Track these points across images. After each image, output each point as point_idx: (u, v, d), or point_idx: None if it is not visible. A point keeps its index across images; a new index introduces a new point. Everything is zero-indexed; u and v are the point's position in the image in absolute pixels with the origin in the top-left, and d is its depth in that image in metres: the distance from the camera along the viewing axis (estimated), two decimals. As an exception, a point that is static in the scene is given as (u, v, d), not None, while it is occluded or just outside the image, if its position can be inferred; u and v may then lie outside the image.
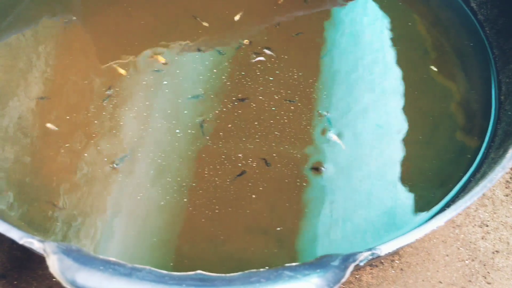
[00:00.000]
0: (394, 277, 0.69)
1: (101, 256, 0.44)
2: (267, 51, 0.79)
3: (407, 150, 0.70)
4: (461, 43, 0.83)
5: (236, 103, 0.73)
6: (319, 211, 0.65)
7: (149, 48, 0.79)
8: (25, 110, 0.72)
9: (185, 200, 0.65)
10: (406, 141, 0.71)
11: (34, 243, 0.46)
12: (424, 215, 0.65)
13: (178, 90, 0.75)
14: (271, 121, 0.71)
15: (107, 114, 0.72)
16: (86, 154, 0.68)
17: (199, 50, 0.79)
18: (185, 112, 0.72)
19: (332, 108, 0.73)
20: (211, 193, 0.65)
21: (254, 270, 0.44)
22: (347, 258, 0.46)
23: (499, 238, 0.73)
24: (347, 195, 0.66)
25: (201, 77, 0.76)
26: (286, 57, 0.78)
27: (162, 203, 0.64)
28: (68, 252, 0.44)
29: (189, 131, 0.70)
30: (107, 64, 0.77)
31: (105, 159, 0.68)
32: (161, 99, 0.73)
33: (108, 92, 0.74)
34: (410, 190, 0.67)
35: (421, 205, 0.66)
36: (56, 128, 0.70)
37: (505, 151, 0.60)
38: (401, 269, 0.70)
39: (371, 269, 0.70)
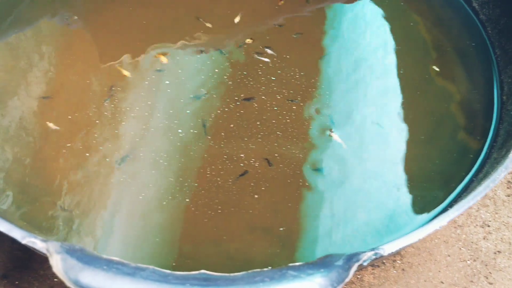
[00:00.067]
0: (396, 277, 0.69)
1: (104, 256, 0.44)
2: (269, 50, 0.79)
3: (409, 150, 0.70)
4: (463, 43, 0.83)
5: (238, 103, 0.73)
6: (321, 211, 0.65)
7: (151, 48, 0.79)
8: (26, 110, 0.72)
9: (187, 200, 0.64)
10: (408, 141, 0.71)
11: (36, 243, 0.46)
12: (427, 215, 0.65)
13: (180, 90, 0.74)
14: (273, 121, 0.71)
15: (109, 114, 0.72)
16: (87, 154, 0.68)
17: (201, 49, 0.79)
18: (187, 111, 0.72)
19: (334, 108, 0.73)
20: (213, 193, 0.65)
21: (258, 269, 0.44)
22: (351, 258, 0.46)
23: (501, 238, 0.73)
24: (349, 195, 0.66)
25: (203, 76, 0.76)
26: (288, 56, 0.78)
27: (164, 203, 0.64)
28: (71, 252, 0.44)
29: (191, 130, 0.70)
30: (109, 64, 0.77)
31: (107, 159, 0.68)
32: (163, 99, 0.73)
33: (109, 92, 0.73)
34: (412, 190, 0.67)
35: (424, 205, 0.66)
36: (57, 128, 0.70)
37: (508, 151, 0.60)
38: (403, 269, 0.70)
39: (373, 269, 0.70)
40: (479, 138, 0.71)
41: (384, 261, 0.71)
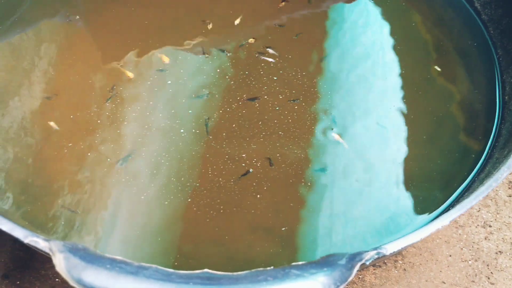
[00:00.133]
0: (397, 277, 0.69)
1: (107, 255, 0.44)
2: (270, 50, 0.79)
3: (411, 150, 0.70)
4: (464, 43, 0.83)
5: (240, 103, 0.73)
6: (323, 211, 0.65)
7: (152, 47, 0.79)
8: (27, 110, 0.72)
9: (189, 200, 0.64)
10: (410, 141, 0.71)
11: (39, 242, 0.46)
12: (428, 215, 0.65)
13: (182, 90, 0.74)
14: (275, 121, 0.71)
15: (111, 113, 0.72)
16: (89, 154, 0.68)
17: (203, 49, 0.79)
18: (189, 111, 0.72)
19: (336, 108, 0.73)
20: (215, 193, 0.65)
21: (261, 268, 0.44)
22: (354, 257, 0.46)
23: (503, 238, 0.73)
24: (351, 195, 0.66)
25: (204, 76, 0.76)
26: (289, 56, 0.78)
27: (166, 203, 0.64)
28: (74, 251, 0.44)
29: (193, 130, 0.70)
30: (110, 64, 0.77)
31: (109, 159, 0.68)
32: (165, 99, 0.73)
33: (111, 92, 0.73)
34: (414, 190, 0.67)
35: (425, 206, 0.66)
36: (59, 128, 0.70)
37: (510, 151, 0.60)
38: (404, 269, 0.70)
39: (374, 270, 0.70)
40: (481, 138, 0.72)
41: (386, 261, 0.71)
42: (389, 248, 0.48)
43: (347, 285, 0.55)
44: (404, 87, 0.77)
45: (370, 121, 0.73)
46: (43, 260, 0.69)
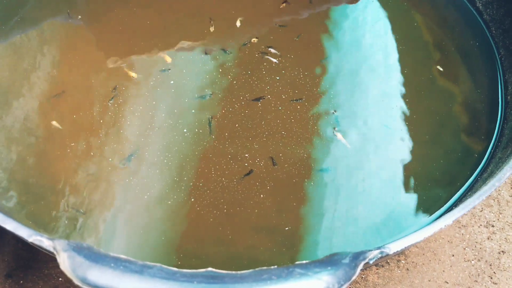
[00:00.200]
0: (400, 277, 0.69)
1: (111, 254, 0.44)
2: (272, 50, 0.79)
3: (414, 150, 0.70)
4: (466, 43, 0.83)
5: (243, 103, 0.73)
6: (326, 211, 0.65)
7: (155, 47, 0.79)
8: (30, 110, 0.72)
9: (192, 200, 0.65)
10: (412, 141, 0.71)
11: (43, 241, 0.46)
12: (431, 215, 0.65)
13: (185, 90, 0.75)
14: (278, 121, 0.71)
15: (113, 113, 0.72)
16: (92, 153, 0.68)
17: (205, 49, 0.79)
18: (192, 111, 0.72)
19: (338, 108, 0.73)
20: (218, 193, 0.65)
21: (265, 267, 0.44)
22: (357, 256, 0.46)
23: (505, 238, 0.73)
24: (354, 195, 0.66)
25: (207, 76, 0.76)
26: (292, 56, 0.78)
27: (169, 202, 0.64)
28: (78, 250, 0.44)
29: (196, 130, 0.70)
30: (113, 64, 0.77)
31: (112, 159, 0.68)
32: (168, 98, 0.73)
33: (114, 92, 0.74)
34: (417, 190, 0.67)
35: (428, 205, 0.66)
36: (62, 127, 0.70)
37: (513, 151, 0.60)
38: (407, 269, 0.70)
39: (377, 269, 0.70)
40: (484, 138, 0.72)
41: (389, 260, 0.71)
42: (393, 248, 0.48)
43: (350, 284, 0.55)
44: (406, 87, 0.77)
45: (372, 121, 0.73)
46: (46, 259, 0.69)
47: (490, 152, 0.70)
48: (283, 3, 0.86)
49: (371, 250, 0.47)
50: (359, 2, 0.88)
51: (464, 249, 0.72)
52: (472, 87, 0.78)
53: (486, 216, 0.75)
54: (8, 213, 0.61)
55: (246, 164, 0.68)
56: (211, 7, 0.85)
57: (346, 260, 0.45)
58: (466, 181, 0.67)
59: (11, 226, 0.48)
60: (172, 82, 0.75)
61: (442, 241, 0.72)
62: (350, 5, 0.88)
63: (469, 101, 0.76)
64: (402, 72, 0.78)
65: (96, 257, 0.43)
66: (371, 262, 0.47)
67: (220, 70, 0.77)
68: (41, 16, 0.83)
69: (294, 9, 0.86)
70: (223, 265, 0.54)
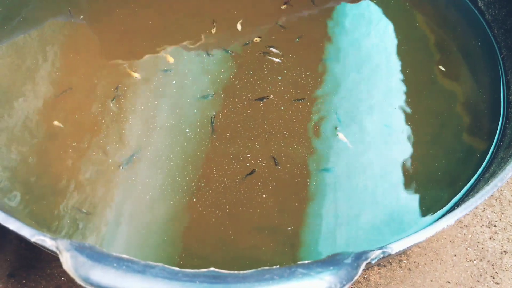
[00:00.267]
0: (402, 277, 0.69)
1: (114, 253, 0.44)
2: (274, 49, 0.79)
3: (415, 149, 0.70)
4: (468, 43, 0.83)
5: (245, 103, 0.73)
6: (328, 211, 0.65)
7: (157, 47, 0.79)
8: (32, 110, 0.72)
9: (194, 200, 0.65)
10: (414, 141, 0.71)
11: (46, 241, 0.46)
12: (433, 215, 0.65)
13: (187, 90, 0.75)
14: (280, 121, 0.71)
15: (115, 113, 0.72)
16: (94, 153, 0.68)
17: (207, 49, 0.79)
18: (194, 111, 0.72)
19: (340, 108, 0.73)
20: (220, 193, 0.65)
21: (267, 267, 0.44)
22: (360, 256, 0.46)
23: (507, 238, 0.73)
24: (355, 194, 0.66)
25: (209, 76, 0.76)
26: (294, 56, 0.78)
27: (171, 202, 0.64)
28: (81, 249, 0.44)
29: (199, 130, 0.70)
30: (115, 64, 0.77)
31: (113, 159, 0.68)
32: (170, 98, 0.73)
33: (116, 92, 0.74)
34: (419, 190, 0.67)
35: (430, 205, 0.66)
36: (63, 127, 0.70)
37: (515, 151, 0.60)
38: (409, 269, 0.70)
39: (379, 269, 0.70)
40: (486, 138, 0.72)
41: (391, 260, 0.71)
42: (395, 248, 0.48)
43: (352, 284, 0.55)
44: (408, 87, 0.77)
45: (374, 121, 0.73)
46: (48, 259, 0.69)
47: (492, 152, 0.70)
48: (284, 4, 0.86)
49: (373, 250, 0.47)
50: (360, 2, 0.88)
51: (466, 249, 0.72)
52: (474, 87, 0.77)
53: (488, 216, 0.75)
54: (11, 212, 0.61)
55: (248, 164, 0.68)
56: (212, 7, 0.85)
57: (348, 260, 0.45)
58: (468, 181, 0.67)
59: (14, 225, 0.49)
60: (174, 82, 0.75)
61: (444, 241, 0.72)
62: (352, 5, 0.88)
63: (471, 101, 0.76)
64: (404, 72, 0.78)
65: (99, 256, 0.43)
66: (373, 262, 0.47)
67: (222, 70, 0.77)
68: (43, 16, 0.83)
69: (295, 9, 0.86)
70: (225, 265, 0.55)
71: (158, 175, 0.67)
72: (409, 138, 0.71)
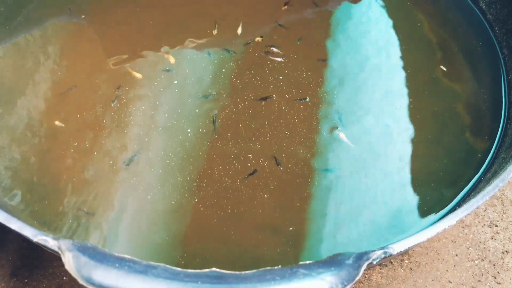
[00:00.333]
0: (403, 276, 0.69)
1: (116, 254, 0.44)
2: (275, 49, 0.79)
3: (417, 149, 0.70)
4: (470, 43, 0.83)
5: (247, 103, 0.73)
6: (329, 211, 0.65)
7: (158, 47, 0.79)
8: (34, 109, 0.72)
9: (196, 200, 0.65)
10: (416, 140, 0.71)
11: (48, 241, 0.46)
12: (435, 215, 0.65)
13: (189, 90, 0.75)
14: (281, 121, 0.71)
15: (117, 113, 0.72)
16: (95, 153, 0.68)
17: (208, 49, 0.79)
18: (196, 111, 0.72)
19: (341, 108, 0.73)
20: (222, 193, 0.65)
21: (269, 268, 0.44)
22: (361, 257, 0.46)
23: (509, 238, 0.73)
24: (357, 194, 0.66)
25: (211, 76, 0.76)
26: (295, 56, 0.78)
27: (173, 202, 0.65)
28: (83, 250, 0.44)
29: (200, 130, 0.70)
30: (117, 64, 0.77)
31: (115, 159, 0.68)
32: (171, 98, 0.74)
33: (117, 92, 0.74)
34: (420, 190, 0.67)
35: (432, 205, 0.66)
36: (65, 127, 0.70)
37: (516, 151, 0.60)
38: (411, 269, 0.70)
39: (380, 269, 0.70)
40: (487, 138, 0.72)
41: (392, 260, 0.71)
42: (396, 248, 0.48)
43: (354, 284, 0.55)
44: (409, 87, 0.77)
45: (376, 121, 0.73)
46: (50, 258, 0.69)
47: (494, 152, 0.70)
48: (285, 5, 0.86)
49: (375, 251, 0.47)
50: (361, 2, 0.88)
51: (468, 248, 0.72)
52: (475, 87, 0.77)
53: (490, 215, 0.75)
54: (13, 212, 0.61)
55: (249, 164, 0.68)
56: (213, 7, 0.85)
57: (350, 261, 0.45)
58: (470, 181, 0.67)
59: (17, 225, 0.49)
60: (175, 82, 0.75)
61: (446, 240, 0.72)
62: (353, 5, 0.88)
63: (473, 100, 0.76)
64: (405, 72, 0.78)
65: (101, 257, 0.44)
66: (374, 262, 0.47)
67: (224, 70, 0.77)
68: (45, 16, 0.83)
69: (296, 9, 0.86)
70: (227, 265, 0.55)
71: (159, 175, 0.67)
72: (410, 138, 0.71)
